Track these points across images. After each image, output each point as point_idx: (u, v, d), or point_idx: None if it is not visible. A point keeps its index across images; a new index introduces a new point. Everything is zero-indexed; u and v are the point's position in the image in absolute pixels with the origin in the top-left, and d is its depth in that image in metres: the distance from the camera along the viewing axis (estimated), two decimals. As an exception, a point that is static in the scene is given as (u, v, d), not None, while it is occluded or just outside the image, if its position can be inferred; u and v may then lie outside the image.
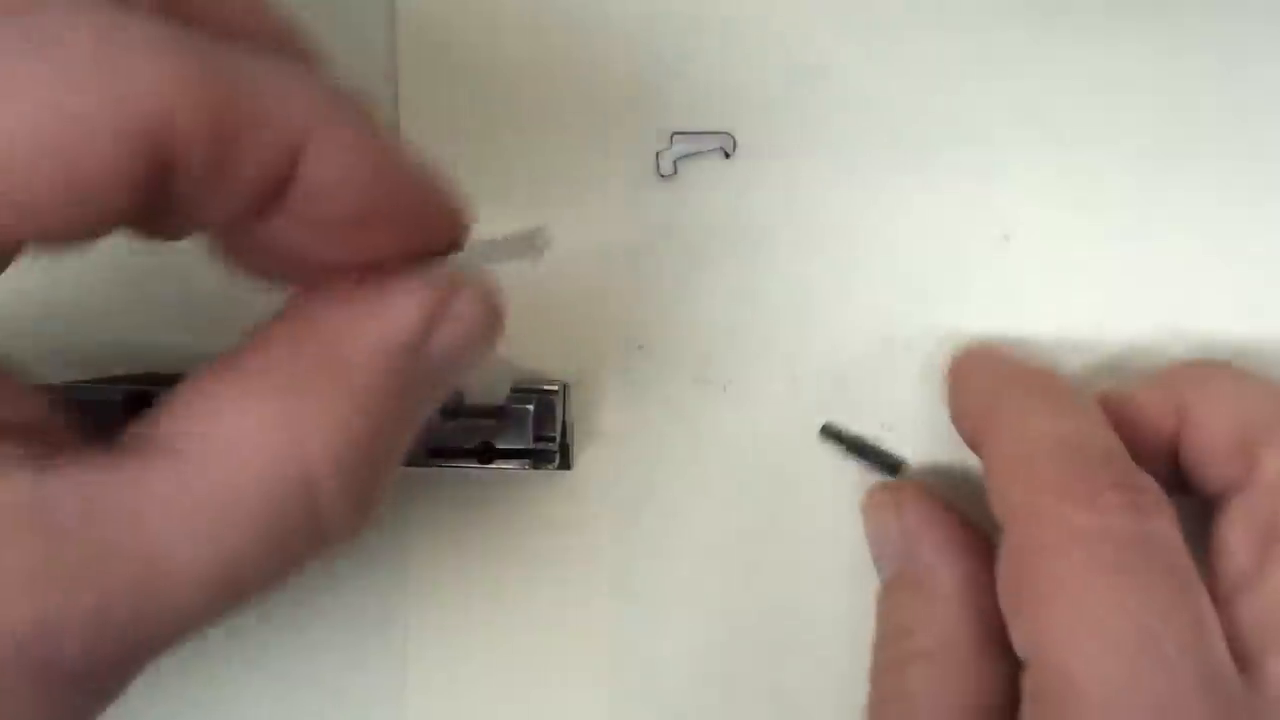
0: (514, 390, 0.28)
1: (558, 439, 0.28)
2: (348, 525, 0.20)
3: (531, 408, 0.27)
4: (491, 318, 0.21)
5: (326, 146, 0.18)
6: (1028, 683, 0.23)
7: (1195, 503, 0.25)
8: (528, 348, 0.29)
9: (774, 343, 0.29)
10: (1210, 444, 0.25)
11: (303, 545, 0.19)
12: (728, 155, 0.30)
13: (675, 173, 0.29)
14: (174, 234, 0.20)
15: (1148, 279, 0.29)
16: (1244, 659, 0.22)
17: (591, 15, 0.29)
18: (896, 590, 0.27)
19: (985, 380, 0.27)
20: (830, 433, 0.29)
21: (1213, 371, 0.27)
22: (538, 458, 0.27)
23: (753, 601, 0.29)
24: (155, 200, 0.18)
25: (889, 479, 0.29)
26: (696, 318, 0.29)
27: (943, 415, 0.28)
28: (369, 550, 0.29)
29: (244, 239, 0.20)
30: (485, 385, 0.28)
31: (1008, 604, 0.23)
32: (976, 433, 0.26)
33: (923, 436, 0.29)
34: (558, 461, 0.28)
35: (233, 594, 0.19)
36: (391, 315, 0.20)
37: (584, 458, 0.29)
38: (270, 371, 0.19)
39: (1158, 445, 0.26)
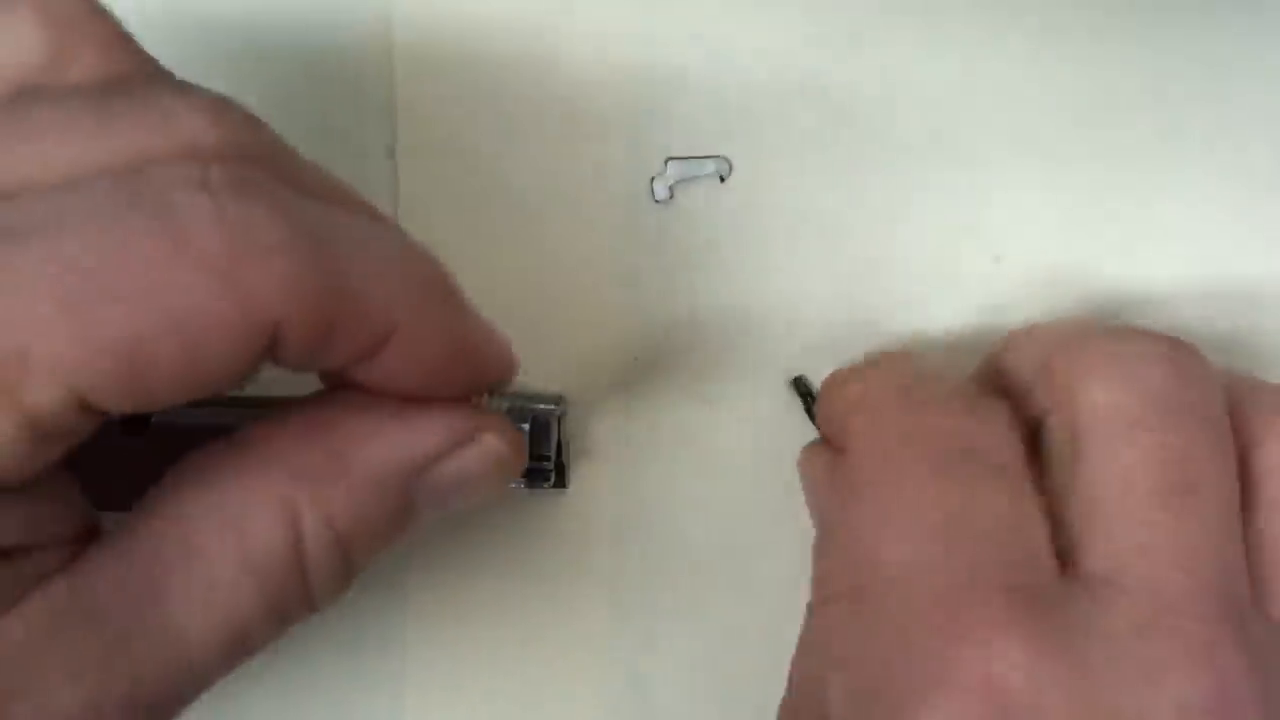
0: (509, 409, 0.28)
1: (553, 457, 0.28)
2: (328, 598, 0.22)
3: (527, 427, 0.27)
4: (506, 460, 0.23)
5: (414, 331, 0.20)
6: (844, 582, 0.23)
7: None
8: (523, 367, 0.29)
9: (769, 361, 0.29)
10: (1022, 372, 0.25)
11: (295, 610, 0.21)
12: (723, 179, 0.30)
13: (671, 198, 0.30)
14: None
15: (1138, 301, 0.29)
16: (1068, 552, 0.23)
17: (584, 43, 0.30)
18: None
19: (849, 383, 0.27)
20: (801, 388, 0.29)
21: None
22: (533, 476, 0.28)
23: (750, 618, 0.29)
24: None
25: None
26: (691, 335, 0.30)
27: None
28: (367, 569, 0.30)
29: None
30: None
31: (835, 506, 0.25)
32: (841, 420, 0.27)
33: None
34: (553, 480, 0.28)
35: (239, 656, 0.21)
36: (408, 433, 0.22)
37: (579, 476, 0.29)
38: (276, 456, 0.21)
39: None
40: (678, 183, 0.30)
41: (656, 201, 0.30)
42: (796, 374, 0.29)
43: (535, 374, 0.29)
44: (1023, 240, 0.29)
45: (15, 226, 0.18)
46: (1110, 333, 0.25)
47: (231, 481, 0.20)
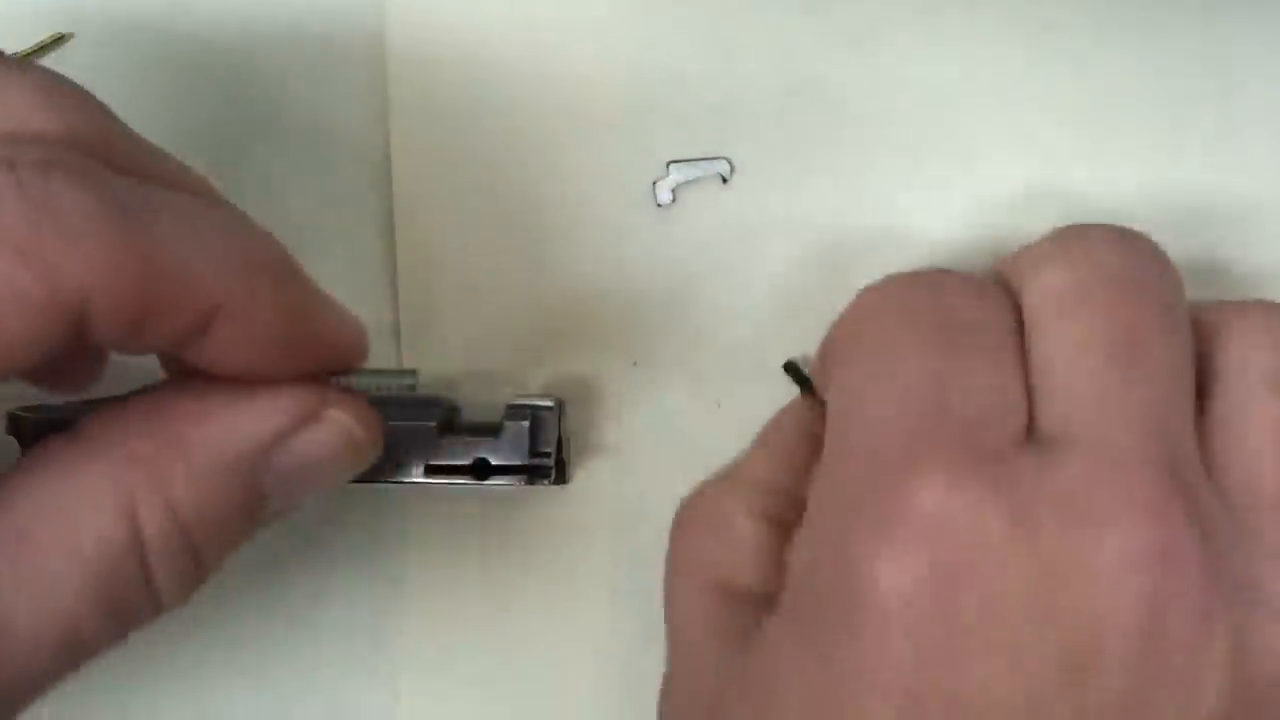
0: (510, 406, 0.28)
1: (554, 455, 0.28)
2: (176, 596, 0.21)
3: (527, 424, 0.28)
4: (359, 439, 0.23)
5: (241, 307, 0.20)
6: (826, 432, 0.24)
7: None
8: (524, 364, 0.30)
9: (767, 359, 0.29)
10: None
11: (136, 610, 0.20)
12: (725, 180, 0.30)
13: (674, 200, 0.30)
14: (75, 382, 0.23)
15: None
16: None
17: (584, 46, 0.30)
18: None
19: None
20: (795, 372, 0.29)
21: None
22: (533, 474, 0.28)
23: (747, 616, 0.29)
24: (64, 353, 0.19)
25: None
26: (691, 334, 0.30)
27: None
28: (364, 566, 0.30)
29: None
30: (481, 401, 0.29)
31: (821, 368, 0.26)
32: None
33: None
34: (553, 477, 0.28)
35: (71, 655, 0.20)
36: (250, 412, 0.21)
37: (580, 473, 0.30)
38: (112, 443, 0.20)
39: None
40: (680, 185, 0.30)
41: (659, 206, 0.30)
42: (789, 359, 0.29)
43: (537, 374, 0.30)
44: (1023, 239, 0.29)
45: None
46: (1068, 226, 0.25)
47: (66, 470, 0.20)
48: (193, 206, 0.21)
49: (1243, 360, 0.23)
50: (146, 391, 0.22)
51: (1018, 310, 0.24)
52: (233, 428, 0.21)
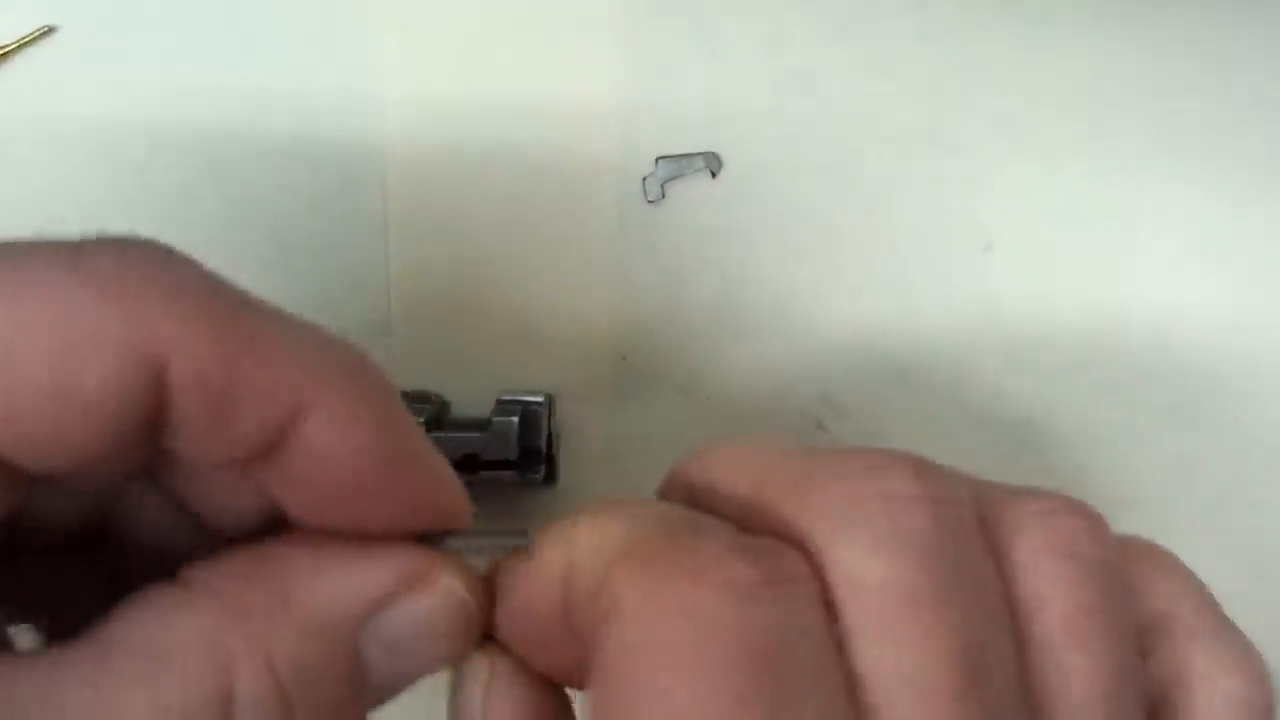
0: (499, 402, 0.28)
1: (543, 450, 0.28)
2: None
3: (517, 419, 0.27)
4: (469, 607, 0.20)
5: (328, 410, 0.18)
6: None
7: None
8: (513, 359, 0.29)
9: (757, 353, 0.29)
10: (734, 497, 0.20)
11: None
12: (714, 175, 0.30)
13: (663, 196, 0.30)
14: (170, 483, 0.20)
15: (1130, 287, 0.29)
16: None
17: (573, 40, 0.30)
18: None
19: None
20: None
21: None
22: (523, 469, 0.28)
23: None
24: (151, 436, 0.18)
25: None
26: (680, 329, 0.30)
27: (926, 422, 0.28)
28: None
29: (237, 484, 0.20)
30: (470, 397, 0.29)
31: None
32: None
33: (906, 444, 0.29)
34: (543, 473, 0.28)
35: None
36: (354, 574, 0.19)
37: (570, 471, 0.29)
38: (216, 591, 0.19)
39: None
40: (669, 180, 0.30)
41: (649, 201, 0.30)
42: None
43: (527, 371, 0.30)
44: (1014, 229, 0.29)
45: None
46: (836, 463, 0.20)
47: (164, 611, 0.18)
48: (287, 312, 0.19)
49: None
50: (248, 542, 0.20)
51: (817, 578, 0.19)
52: (342, 585, 0.19)
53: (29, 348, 0.17)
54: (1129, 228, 0.29)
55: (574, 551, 0.19)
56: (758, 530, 0.19)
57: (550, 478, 0.29)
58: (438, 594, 0.20)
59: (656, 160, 0.30)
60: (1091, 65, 0.29)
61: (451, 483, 0.21)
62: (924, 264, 0.29)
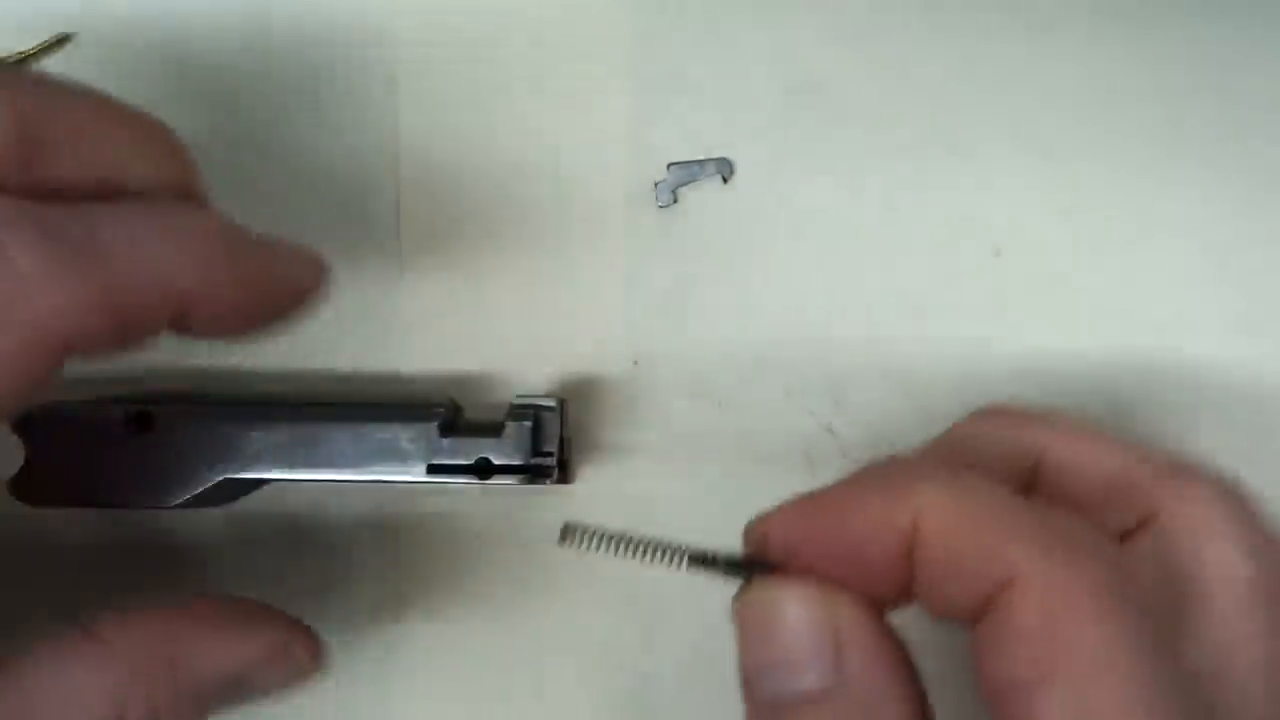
0: (512, 406, 0.28)
1: (556, 454, 0.28)
2: None
3: (530, 424, 0.28)
4: (306, 672, 0.25)
5: (203, 295, 0.22)
6: None
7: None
8: (526, 364, 0.30)
9: (769, 358, 0.29)
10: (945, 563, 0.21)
11: None
12: (725, 180, 0.30)
13: (675, 201, 0.30)
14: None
15: (1137, 293, 0.29)
16: None
17: (585, 47, 0.30)
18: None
19: None
20: (701, 558, 0.23)
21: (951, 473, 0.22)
22: (536, 473, 0.28)
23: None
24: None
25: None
26: (692, 334, 0.30)
27: (935, 427, 0.28)
28: (366, 566, 0.30)
29: None
30: (483, 401, 0.29)
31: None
32: None
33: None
34: (555, 476, 0.28)
35: None
36: (234, 647, 0.24)
37: (582, 473, 0.30)
38: (120, 654, 0.23)
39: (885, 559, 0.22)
40: (680, 186, 0.30)
41: (660, 207, 0.30)
42: (692, 551, 0.23)
43: (541, 374, 0.30)
44: (1023, 234, 0.29)
45: None
46: (1211, 477, 0.23)
47: (74, 664, 0.23)
48: (134, 216, 0.21)
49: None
50: (157, 605, 0.24)
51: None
52: (219, 658, 0.24)
53: None
54: (1138, 233, 0.29)
55: (924, 507, 0.21)
56: (1116, 505, 0.23)
57: (563, 481, 0.29)
58: (289, 664, 0.25)
59: (668, 166, 0.30)
60: (1101, 71, 0.29)
61: (308, 258, 0.24)
62: (934, 269, 0.29)
